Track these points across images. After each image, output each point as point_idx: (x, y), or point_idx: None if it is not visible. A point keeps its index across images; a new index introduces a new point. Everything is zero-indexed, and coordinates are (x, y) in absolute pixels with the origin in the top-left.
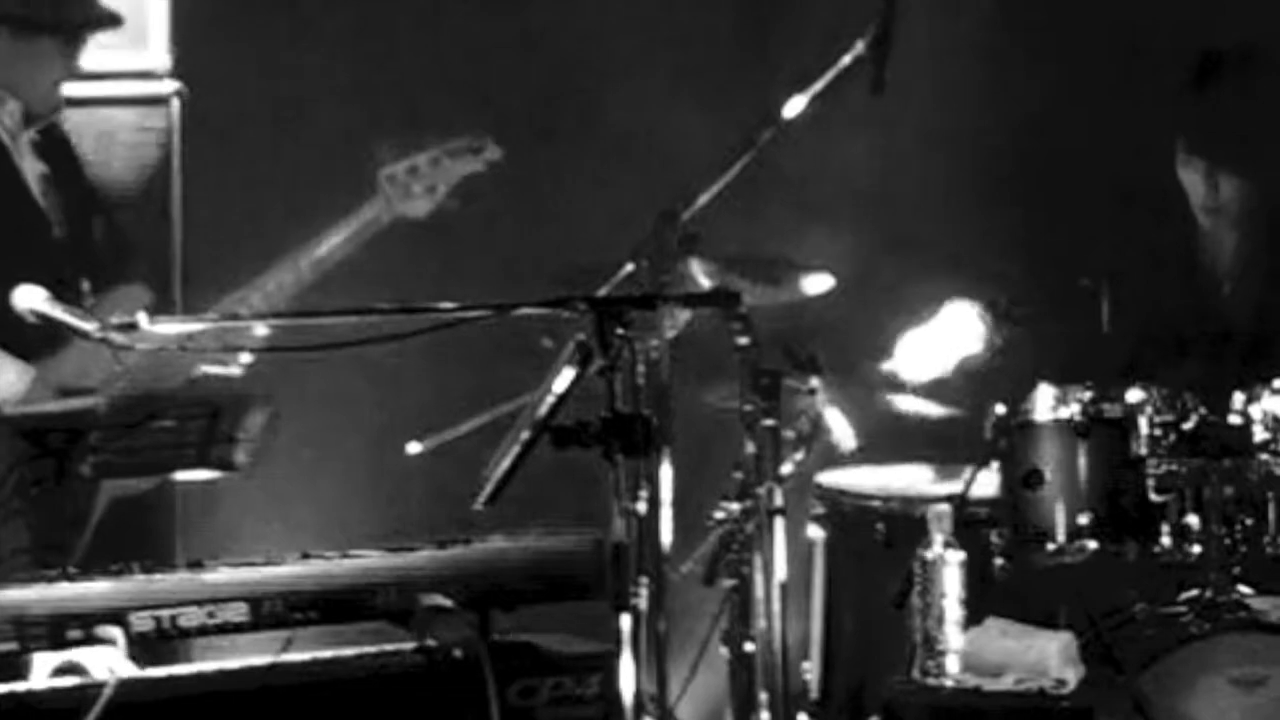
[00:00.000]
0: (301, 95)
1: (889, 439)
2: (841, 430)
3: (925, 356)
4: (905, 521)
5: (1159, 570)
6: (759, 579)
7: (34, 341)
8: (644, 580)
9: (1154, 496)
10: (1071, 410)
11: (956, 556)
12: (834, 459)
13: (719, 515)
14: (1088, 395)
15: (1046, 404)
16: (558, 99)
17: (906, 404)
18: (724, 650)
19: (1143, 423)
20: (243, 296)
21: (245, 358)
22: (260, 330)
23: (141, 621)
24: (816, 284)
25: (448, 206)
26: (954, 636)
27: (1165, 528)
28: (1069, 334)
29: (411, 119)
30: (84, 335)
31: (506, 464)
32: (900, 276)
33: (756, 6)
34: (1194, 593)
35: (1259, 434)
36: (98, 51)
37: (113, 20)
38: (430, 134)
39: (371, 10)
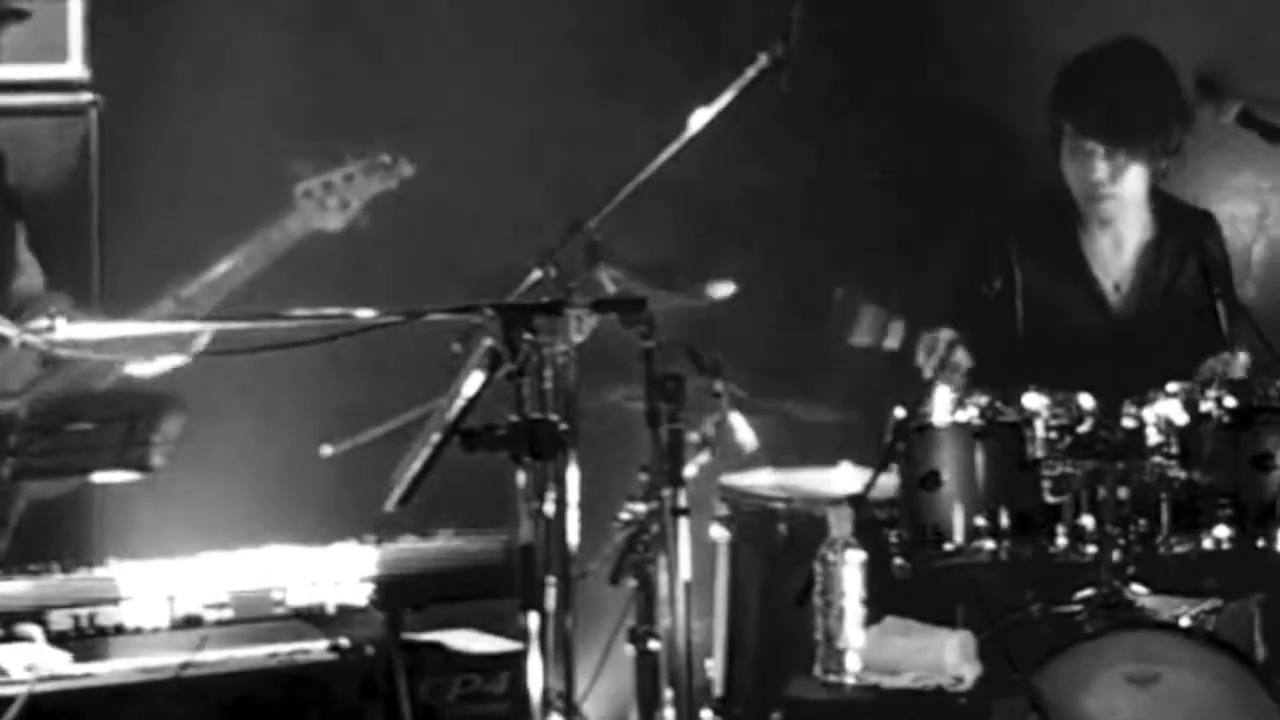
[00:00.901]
0: (218, 108)
1: (790, 441)
2: (744, 433)
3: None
4: (807, 522)
5: (1055, 570)
6: (664, 578)
7: None
8: (551, 580)
9: (1049, 498)
10: (969, 414)
11: (857, 556)
12: (738, 461)
13: (625, 516)
14: (985, 399)
15: (944, 408)
16: (472, 114)
17: (801, 408)
18: (630, 648)
19: (1038, 426)
20: (162, 306)
21: (168, 361)
22: (202, 339)
23: (60, 620)
24: (719, 290)
25: (361, 221)
26: (854, 634)
27: (1061, 528)
28: (972, 339)
29: (328, 133)
30: (4, 340)
31: (417, 466)
32: (797, 285)
33: (664, 20)
34: (1089, 592)
35: (1152, 437)
36: (17, 65)
37: (18, 14)
38: (346, 149)
39: (290, 25)
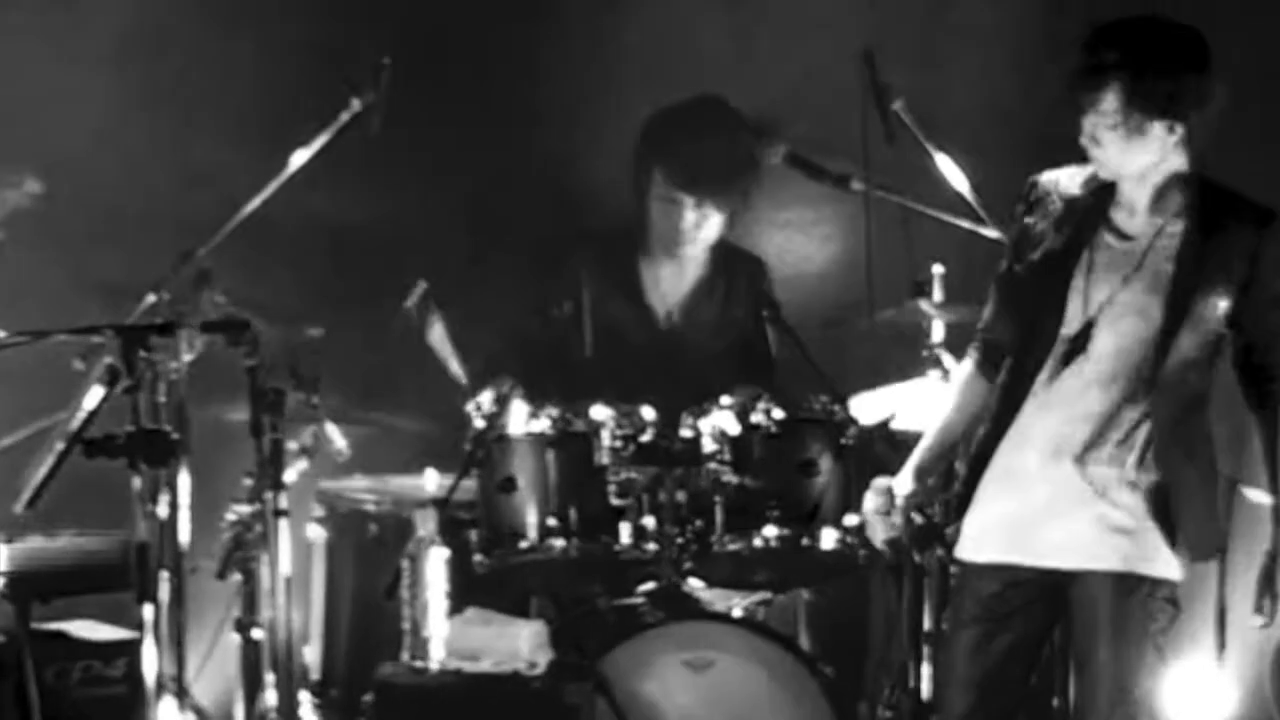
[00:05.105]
0: None
1: (380, 449)
2: (339, 442)
3: None
4: (395, 522)
5: (619, 566)
6: (266, 573)
7: None
8: (165, 574)
9: (615, 500)
10: (542, 425)
11: (441, 553)
12: (333, 467)
13: (231, 517)
14: (556, 411)
15: (520, 419)
16: (93, 145)
17: (391, 419)
18: (235, 636)
19: (605, 435)
20: None
21: None
22: None
23: None
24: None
25: None
26: (438, 624)
27: (625, 528)
28: (551, 357)
29: None
30: None
31: (43, 472)
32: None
33: (278, 58)
34: (650, 586)
35: (708, 445)
36: None
37: None
38: None
39: None
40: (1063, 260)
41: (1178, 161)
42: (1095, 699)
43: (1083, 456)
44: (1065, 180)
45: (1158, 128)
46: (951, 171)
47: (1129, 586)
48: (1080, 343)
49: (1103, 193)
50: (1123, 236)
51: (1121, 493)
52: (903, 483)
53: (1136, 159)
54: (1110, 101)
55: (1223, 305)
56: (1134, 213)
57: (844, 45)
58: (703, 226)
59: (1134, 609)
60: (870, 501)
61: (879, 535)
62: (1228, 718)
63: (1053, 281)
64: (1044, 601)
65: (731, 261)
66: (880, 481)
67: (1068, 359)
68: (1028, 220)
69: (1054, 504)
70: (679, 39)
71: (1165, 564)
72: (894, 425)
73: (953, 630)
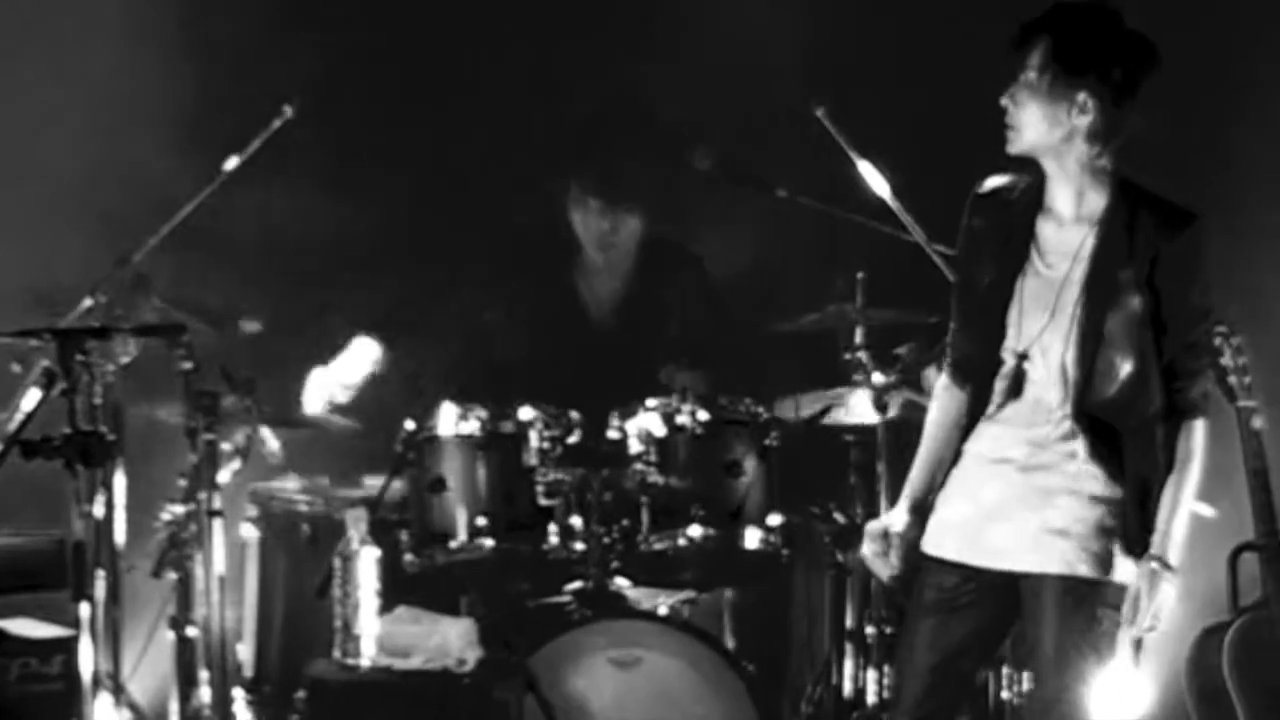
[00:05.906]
0: None
1: (313, 450)
2: (272, 443)
3: (328, 387)
4: (327, 522)
5: (547, 565)
6: (201, 572)
7: None
8: (101, 573)
9: (543, 500)
10: (471, 426)
11: (372, 553)
12: (266, 468)
13: (166, 517)
14: (485, 413)
15: (450, 421)
16: (25, 149)
17: (324, 421)
18: (170, 634)
19: (533, 437)
20: None
21: None
22: None
23: None
24: (249, 326)
25: None
26: (369, 622)
27: (553, 528)
28: (475, 360)
29: None
30: None
31: None
32: (306, 317)
33: (209, 63)
34: (578, 584)
35: (634, 446)
36: None
37: None
38: None
39: None
40: (998, 292)
41: (1092, 152)
42: (1037, 695)
43: (1027, 466)
44: (1004, 191)
45: (1070, 100)
46: (873, 177)
47: (1069, 588)
48: (1016, 373)
49: (1033, 204)
50: (1048, 264)
51: (1064, 498)
52: (898, 520)
53: (1045, 130)
54: (1035, 57)
55: (1138, 320)
56: (1061, 223)
57: (770, 53)
58: (620, 230)
59: (1077, 612)
60: (868, 546)
61: (883, 575)
62: (1143, 717)
63: (991, 313)
64: (999, 596)
65: (664, 255)
66: (874, 526)
67: (1006, 388)
68: (968, 239)
69: (1000, 509)
70: (614, 48)
71: (1109, 568)
72: (824, 421)
73: (911, 619)
